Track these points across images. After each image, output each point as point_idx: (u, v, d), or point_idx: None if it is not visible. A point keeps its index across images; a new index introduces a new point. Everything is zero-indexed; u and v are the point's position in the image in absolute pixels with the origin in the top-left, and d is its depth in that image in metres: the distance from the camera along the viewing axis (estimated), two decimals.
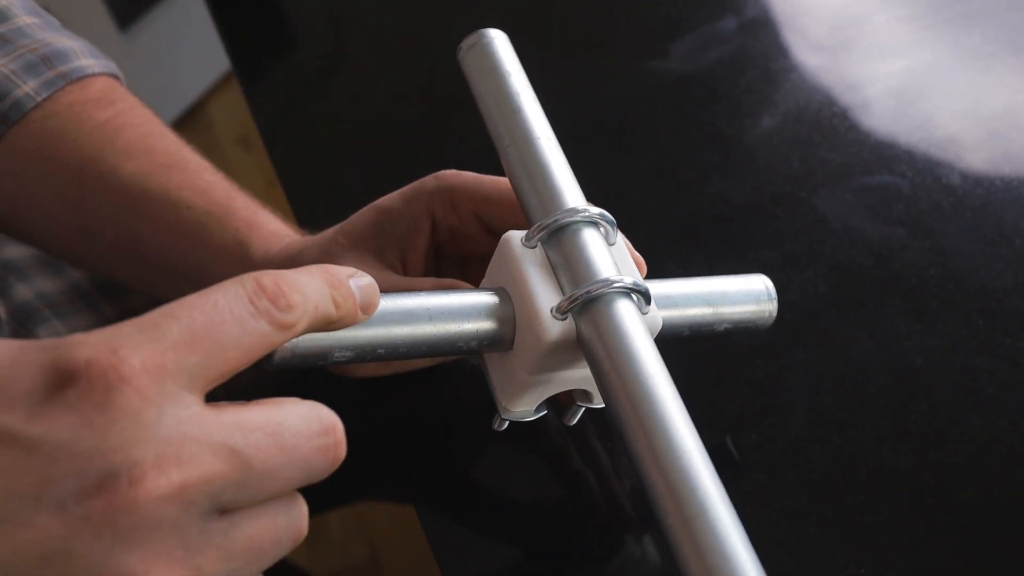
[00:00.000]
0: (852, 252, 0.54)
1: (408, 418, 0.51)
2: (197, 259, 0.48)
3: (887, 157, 0.58)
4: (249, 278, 0.28)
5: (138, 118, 0.53)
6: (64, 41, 0.54)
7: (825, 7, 0.68)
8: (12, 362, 0.24)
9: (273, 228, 0.48)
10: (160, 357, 0.25)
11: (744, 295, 0.43)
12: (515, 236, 0.38)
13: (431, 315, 0.35)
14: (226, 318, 0.27)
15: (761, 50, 0.65)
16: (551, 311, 0.36)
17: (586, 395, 0.41)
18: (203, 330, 0.26)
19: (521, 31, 0.72)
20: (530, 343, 0.36)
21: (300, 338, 0.32)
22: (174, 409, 0.25)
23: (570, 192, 0.39)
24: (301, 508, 0.28)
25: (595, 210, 0.38)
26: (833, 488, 0.46)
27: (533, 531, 0.47)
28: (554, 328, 0.36)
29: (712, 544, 0.29)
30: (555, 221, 0.37)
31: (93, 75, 0.53)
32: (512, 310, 0.37)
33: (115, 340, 0.25)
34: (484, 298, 0.37)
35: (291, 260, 0.45)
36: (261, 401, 0.28)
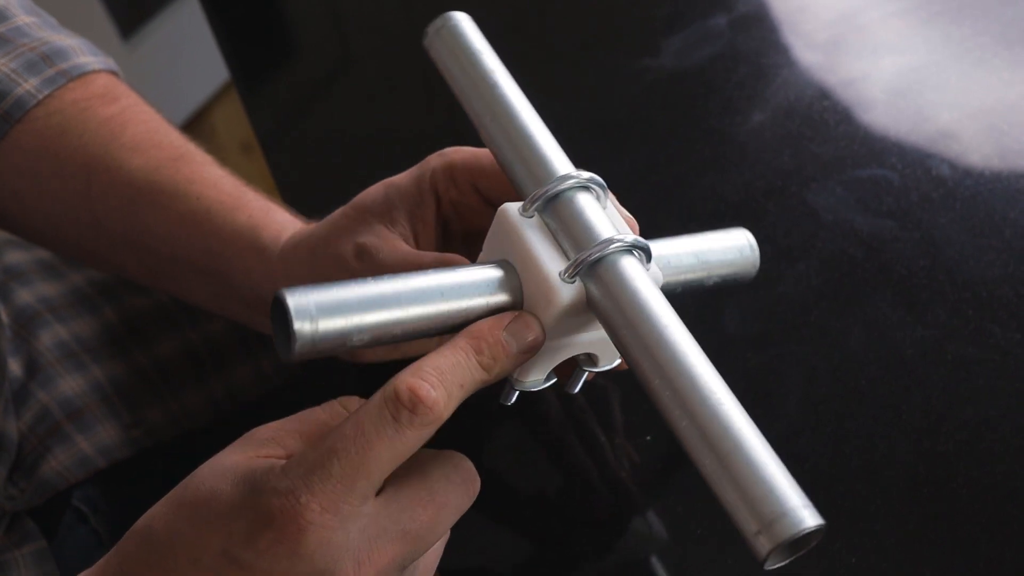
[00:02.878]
0: (843, 245, 0.54)
1: None
2: (207, 247, 0.48)
3: (877, 150, 0.58)
4: (390, 390, 0.32)
5: (143, 114, 0.54)
6: (63, 39, 0.54)
7: (816, 2, 0.68)
8: (231, 505, 0.32)
9: (282, 218, 0.49)
10: (333, 495, 0.31)
11: (728, 249, 0.44)
12: (512, 208, 0.39)
13: (443, 293, 0.36)
14: (374, 442, 0.32)
15: (752, 46, 0.65)
16: (560, 275, 0.36)
17: (590, 359, 0.42)
18: (360, 459, 0.32)
19: (515, 32, 0.72)
20: (542, 309, 0.37)
21: (319, 326, 0.33)
22: (355, 523, 0.32)
23: (558, 159, 0.39)
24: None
25: (585, 175, 0.38)
26: (826, 478, 0.46)
27: (533, 518, 0.47)
28: (565, 291, 0.36)
29: (753, 475, 0.30)
30: (549, 190, 0.38)
31: (94, 72, 0.54)
32: (518, 280, 0.38)
33: (296, 490, 0.31)
34: (490, 271, 0.38)
35: (300, 245, 0.45)
36: (411, 465, 0.34)
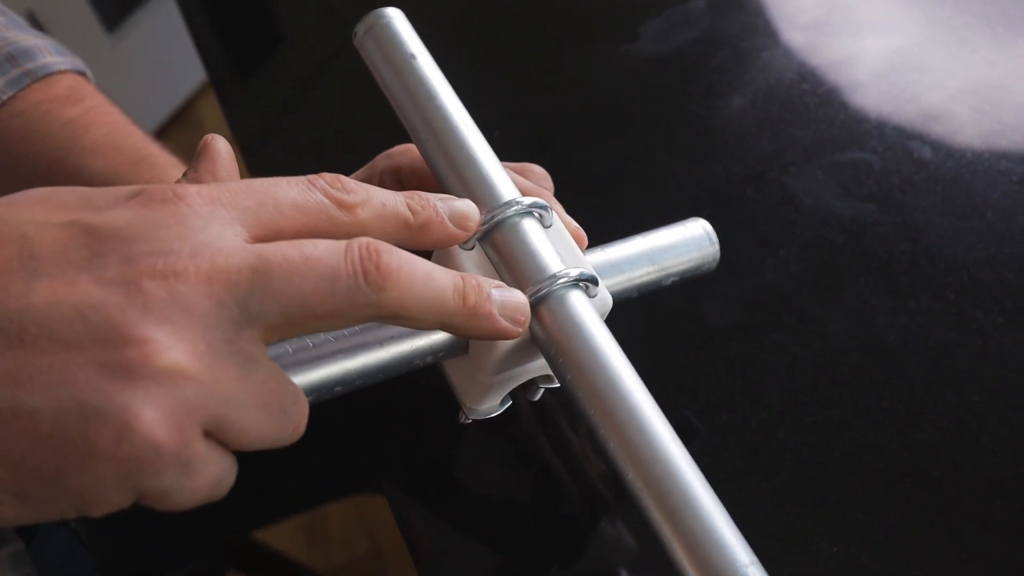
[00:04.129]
0: (824, 230, 0.53)
1: (394, 410, 0.51)
2: None
3: (858, 133, 0.57)
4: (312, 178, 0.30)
5: (105, 115, 0.53)
6: (30, 40, 0.54)
7: None
8: (106, 191, 0.28)
9: None
10: (216, 191, 0.28)
11: (686, 245, 0.42)
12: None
13: (381, 341, 0.35)
14: (283, 183, 0.29)
15: (731, 29, 0.64)
16: None
17: (548, 378, 0.41)
18: (260, 185, 0.29)
19: (490, 20, 0.71)
20: (486, 348, 0.36)
21: None
22: (219, 228, 0.28)
23: (501, 183, 0.37)
24: (302, 411, 0.30)
25: (527, 200, 0.36)
26: (808, 467, 0.46)
27: (511, 521, 0.47)
28: None
29: (701, 535, 0.30)
30: (491, 219, 0.36)
31: (60, 72, 0.53)
32: None
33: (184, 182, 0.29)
34: None
35: None
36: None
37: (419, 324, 0.31)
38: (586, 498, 0.47)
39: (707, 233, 0.43)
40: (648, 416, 0.32)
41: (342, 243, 0.29)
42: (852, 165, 0.56)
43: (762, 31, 0.64)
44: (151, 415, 0.25)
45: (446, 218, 0.33)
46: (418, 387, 0.51)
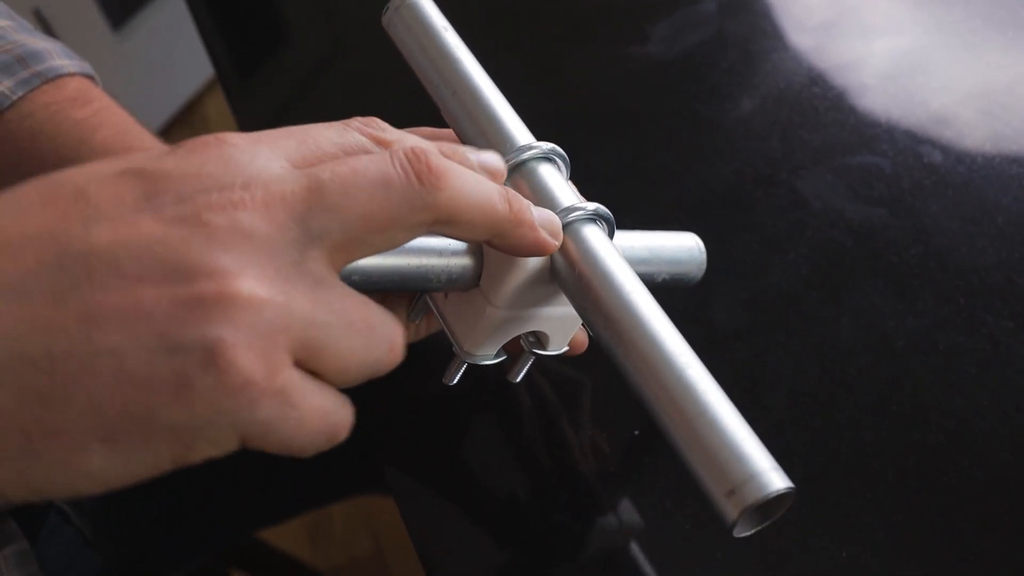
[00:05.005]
0: (833, 233, 0.53)
1: (397, 408, 0.51)
2: None
3: (868, 137, 0.57)
4: (403, 146, 0.30)
5: (115, 116, 0.53)
6: (39, 43, 0.54)
7: None
8: (150, 150, 0.29)
9: None
10: (255, 135, 0.29)
11: (679, 249, 0.44)
12: None
13: (407, 248, 0.35)
14: (319, 126, 0.31)
15: (741, 32, 0.64)
16: None
17: (540, 341, 0.42)
18: (297, 128, 0.30)
19: (500, 18, 0.71)
20: (504, 275, 0.37)
21: None
22: (266, 160, 0.28)
23: (520, 133, 0.39)
24: (395, 330, 0.29)
25: (547, 145, 0.38)
26: (815, 470, 0.46)
27: (517, 517, 0.47)
28: (530, 258, 0.36)
29: (720, 438, 0.30)
30: (512, 159, 0.38)
31: (69, 75, 0.54)
32: (480, 246, 0.37)
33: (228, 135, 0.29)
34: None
35: None
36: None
37: (471, 230, 0.31)
38: (593, 493, 0.47)
39: (698, 245, 0.45)
40: (665, 331, 0.32)
41: (387, 152, 0.29)
42: (862, 169, 0.56)
43: (771, 33, 0.64)
44: (234, 340, 0.25)
45: (537, 223, 0.34)
46: (420, 385, 0.50)
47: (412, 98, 0.68)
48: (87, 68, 0.56)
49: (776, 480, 0.29)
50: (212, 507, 0.74)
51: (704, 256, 0.45)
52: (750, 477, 0.29)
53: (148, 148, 0.29)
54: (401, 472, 0.48)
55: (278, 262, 0.26)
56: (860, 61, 0.61)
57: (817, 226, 0.54)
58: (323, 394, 0.27)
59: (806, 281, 0.52)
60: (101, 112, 0.53)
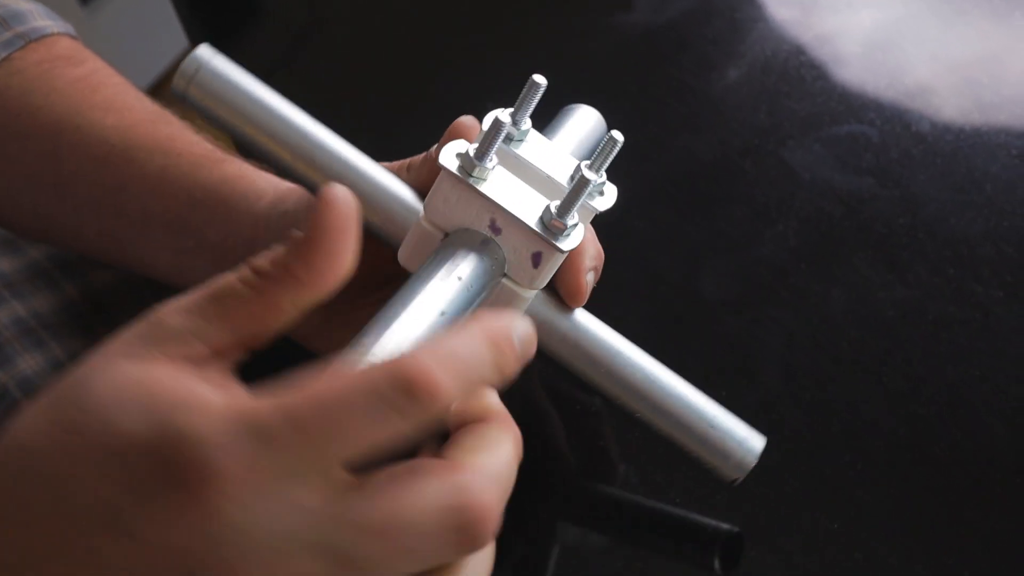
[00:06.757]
0: (822, 204, 0.53)
1: None
2: (189, 198, 0.46)
3: (856, 106, 0.57)
4: (397, 368, 0.23)
5: (112, 77, 0.52)
6: (19, 3, 0.53)
7: None
8: (131, 443, 0.23)
9: (264, 177, 0.47)
10: (275, 470, 0.23)
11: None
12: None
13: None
14: (356, 420, 0.23)
15: (727, 0, 0.63)
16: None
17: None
18: (327, 437, 0.23)
19: None
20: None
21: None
22: (288, 519, 0.23)
23: (402, 192, 0.39)
24: None
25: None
26: (807, 443, 0.46)
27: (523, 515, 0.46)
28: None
29: (706, 424, 0.37)
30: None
31: (54, 35, 0.52)
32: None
33: (228, 449, 0.23)
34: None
35: (280, 200, 0.44)
36: (395, 471, 0.24)
37: None
38: (590, 490, 0.46)
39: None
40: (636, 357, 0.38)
41: (452, 506, 0.24)
42: (850, 138, 0.55)
43: (757, 2, 0.63)
44: None
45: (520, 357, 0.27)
46: None
47: (392, 73, 0.67)
48: (70, 29, 0.55)
49: (757, 443, 0.38)
50: None
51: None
52: (739, 443, 0.38)
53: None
54: None
55: None
56: (847, 30, 0.61)
57: (806, 197, 0.53)
58: None
59: (796, 253, 0.52)
60: (97, 72, 0.52)
